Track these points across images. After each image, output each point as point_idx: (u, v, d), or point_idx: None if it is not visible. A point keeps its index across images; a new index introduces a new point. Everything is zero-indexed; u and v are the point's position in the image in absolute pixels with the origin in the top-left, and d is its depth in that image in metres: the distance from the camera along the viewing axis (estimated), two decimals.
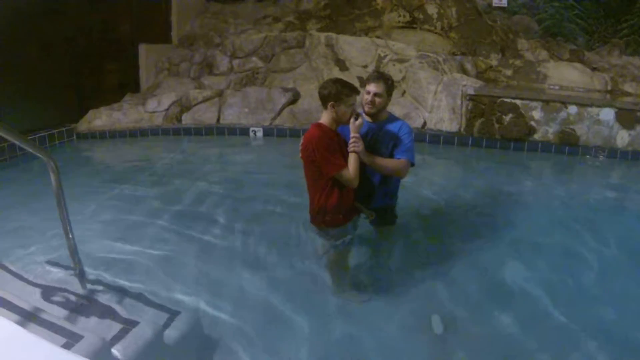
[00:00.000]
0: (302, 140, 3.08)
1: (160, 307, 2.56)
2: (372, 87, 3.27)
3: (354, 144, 2.97)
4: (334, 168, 2.94)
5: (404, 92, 7.25)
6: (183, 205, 4.55)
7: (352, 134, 3.00)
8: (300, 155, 3.09)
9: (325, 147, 2.94)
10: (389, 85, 3.32)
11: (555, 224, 4.35)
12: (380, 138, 3.31)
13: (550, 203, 4.95)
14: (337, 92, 2.98)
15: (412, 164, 3.32)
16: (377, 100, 3.26)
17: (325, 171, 2.96)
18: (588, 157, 6.40)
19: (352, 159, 2.99)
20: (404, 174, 3.33)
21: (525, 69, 7.88)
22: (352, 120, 3.02)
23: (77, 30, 7.67)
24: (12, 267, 2.79)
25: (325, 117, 3.07)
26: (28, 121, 6.80)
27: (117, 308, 2.38)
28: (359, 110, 3.20)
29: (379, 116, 3.35)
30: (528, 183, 5.75)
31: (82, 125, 7.57)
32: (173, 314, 2.51)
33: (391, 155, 3.30)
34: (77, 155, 6.93)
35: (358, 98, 3.10)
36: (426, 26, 8.23)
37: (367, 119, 3.34)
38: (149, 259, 3.64)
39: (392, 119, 3.43)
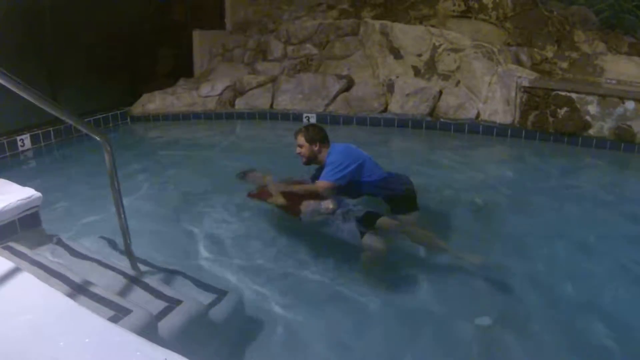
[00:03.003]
0: None
1: (206, 286, 2.66)
2: (296, 141, 3.86)
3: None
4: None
5: (459, 82, 7.25)
6: (235, 189, 4.64)
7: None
8: None
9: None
10: (310, 134, 3.81)
11: (601, 223, 4.35)
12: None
13: (599, 201, 4.90)
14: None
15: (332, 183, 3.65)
16: (301, 150, 3.83)
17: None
18: None
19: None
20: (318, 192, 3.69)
21: (582, 62, 7.74)
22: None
23: (132, 15, 7.91)
24: (67, 241, 2.96)
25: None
26: (85, 104, 7.14)
27: (164, 286, 2.49)
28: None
29: (318, 161, 3.86)
30: (581, 179, 5.73)
31: (137, 109, 7.84)
32: (219, 294, 2.60)
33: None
34: (131, 137, 7.24)
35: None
36: (481, 16, 8.15)
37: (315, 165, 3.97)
38: (198, 240, 3.82)
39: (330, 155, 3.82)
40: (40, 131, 6.40)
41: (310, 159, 3.85)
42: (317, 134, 3.84)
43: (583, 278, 3.40)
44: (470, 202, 4.59)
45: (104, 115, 7.41)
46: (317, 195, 3.64)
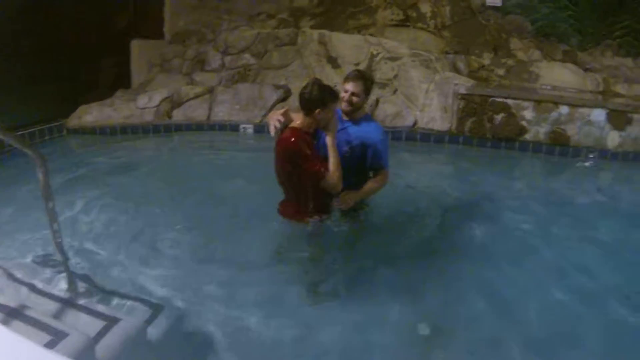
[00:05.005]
0: (276, 146, 3.07)
1: (144, 303, 2.62)
2: (349, 86, 3.31)
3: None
4: (318, 176, 2.93)
5: (396, 90, 7.22)
6: (172, 202, 4.54)
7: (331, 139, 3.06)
8: (275, 161, 3.11)
9: (305, 156, 2.94)
10: (368, 84, 3.38)
11: (539, 226, 4.34)
12: (354, 136, 3.35)
13: (535, 203, 4.92)
14: (322, 98, 2.97)
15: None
16: (354, 99, 3.31)
17: (309, 179, 2.96)
18: (578, 157, 6.38)
19: (334, 163, 2.98)
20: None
21: (518, 69, 7.87)
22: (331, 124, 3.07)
23: (68, 24, 7.57)
24: None
25: (303, 121, 3.07)
26: (21, 115, 6.78)
27: (102, 305, 2.43)
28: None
29: (355, 115, 3.39)
30: (516, 183, 5.77)
31: (73, 121, 7.50)
32: (156, 310, 2.57)
33: (363, 157, 3.38)
34: (66, 150, 6.88)
35: None
36: (419, 24, 8.20)
37: (343, 116, 3.39)
38: (133, 257, 3.60)
39: (368, 118, 3.51)
40: None
41: (355, 111, 3.38)
42: (372, 87, 3.49)
43: (518, 282, 3.43)
44: (403, 208, 4.50)
45: (40, 127, 7.01)
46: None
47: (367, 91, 3.40)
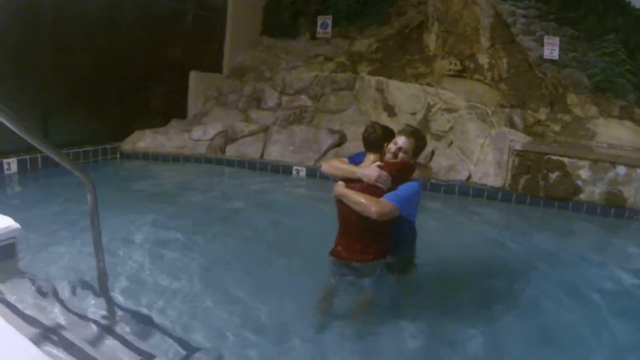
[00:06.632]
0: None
1: (181, 342, 2.55)
2: (401, 141, 3.26)
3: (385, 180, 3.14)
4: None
5: (451, 142, 7.26)
6: (221, 239, 4.51)
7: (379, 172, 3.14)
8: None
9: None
10: (419, 144, 3.33)
11: (586, 291, 4.18)
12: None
13: (586, 267, 4.79)
14: (387, 134, 3.33)
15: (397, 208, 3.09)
16: (401, 155, 3.24)
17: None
18: (635, 219, 6.26)
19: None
20: (377, 213, 3.02)
21: (574, 125, 7.82)
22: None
23: (130, 50, 7.91)
24: (41, 281, 2.84)
25: (376, 157, 3.33)
26: (75, 134, 7.16)
27: (138, 337, 2.39)
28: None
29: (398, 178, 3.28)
30: (568, 245, 5.60)
31: (127, 145, 7.84)
32: (192, 351, 2.50)
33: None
34: (119, 174, 7.11)
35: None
36: (476, 76, 8.25)
37: None
38: (176, 291, 3.50)
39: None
40: (28, 156, 6.23)
41: (398, 171, 3.22)
42: (423, 149, 3.38)
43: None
44: (452, 264, 4.44)
45: (94, 148, 7.35)
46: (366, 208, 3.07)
47: (416, 151, 3.32)
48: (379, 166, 3.22)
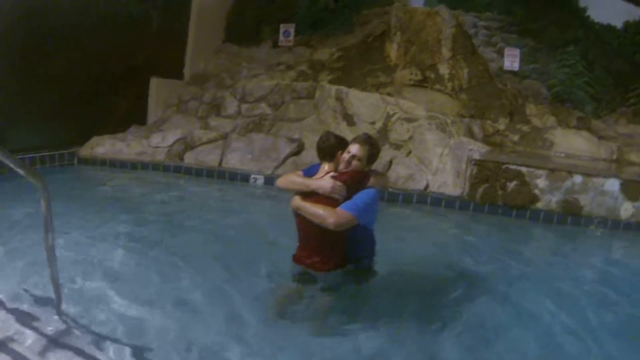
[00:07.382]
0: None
1: (137, 350, 2.52)
2: (354, 149, 3.27)
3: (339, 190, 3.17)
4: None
5: (410, 152, 7.23)
6: (176, 246, 4.48)
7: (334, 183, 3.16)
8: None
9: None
10: (373, 152, 3.33)
11: (546, 295, 4.18)
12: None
13: (544, 274, 4.83)
14: (341, 143, 3.35)
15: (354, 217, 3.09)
16: (354, 163, 3.25)
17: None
18: (590, 227, 6.33)
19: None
20: (335, 223, 3.03)
21: (532, 135, 7.91)
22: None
23: (90, 55, 7.72)
24: None
25: (330, 166, 3.33)
26: (34, 139, 6.99)
27: (90, 345, 2.35)
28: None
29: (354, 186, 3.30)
30: (525, 252, 5.62)
31: (85, 151, 7.66)
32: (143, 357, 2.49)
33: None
34: (76, 180, 6.95)
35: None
36: (437, 86, 8.28)
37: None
38: (128, 299, 3.39)
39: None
40: None
41: (353, 179, 3.22)
42: (376, 156, 3.37)
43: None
44: (411, 271, 4.43)
45: (51, 153, 7.19)
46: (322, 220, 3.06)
47: (370, 158, 3.32)
48: (332, 176, 3.23)
